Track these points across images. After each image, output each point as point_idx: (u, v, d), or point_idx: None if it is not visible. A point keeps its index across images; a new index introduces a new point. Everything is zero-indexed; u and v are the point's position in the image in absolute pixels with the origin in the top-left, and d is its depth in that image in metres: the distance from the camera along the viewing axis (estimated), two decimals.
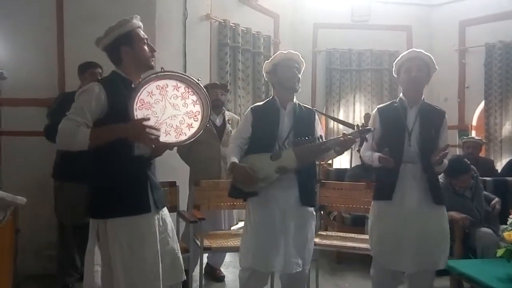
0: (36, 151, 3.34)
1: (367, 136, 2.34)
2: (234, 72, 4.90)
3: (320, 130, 2.47)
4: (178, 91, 1.84)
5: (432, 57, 2.42)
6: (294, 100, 2.42)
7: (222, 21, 4.69)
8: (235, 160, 2.28)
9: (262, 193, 2.28)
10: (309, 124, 2.41)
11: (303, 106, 2.46)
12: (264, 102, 2.51)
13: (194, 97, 1.88)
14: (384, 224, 2.39)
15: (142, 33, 1.90)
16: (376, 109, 2.57)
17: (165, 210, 2.00)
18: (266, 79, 2.57)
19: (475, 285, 2.28)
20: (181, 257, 1.99)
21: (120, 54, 1.85)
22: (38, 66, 3.47)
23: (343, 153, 2.34)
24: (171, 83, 1.83)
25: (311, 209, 2.38)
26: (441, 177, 3.00)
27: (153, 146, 1.83)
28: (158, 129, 1.76)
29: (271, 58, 2.47)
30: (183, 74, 1.87)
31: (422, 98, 2.44)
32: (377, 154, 2.36)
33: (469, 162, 3.29)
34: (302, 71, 2.45)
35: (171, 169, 3.36)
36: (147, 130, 1.71)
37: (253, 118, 2.39)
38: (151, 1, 3.54)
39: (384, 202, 2.39)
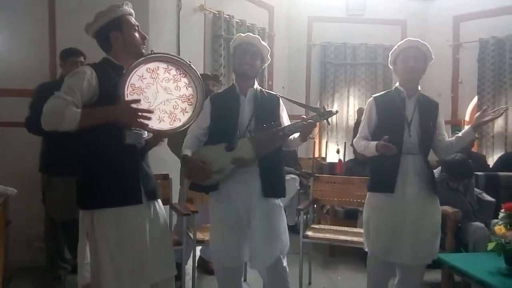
0: (27, 142, 3.29)
1: (361, 125, 2.28)
2: (228, 65, 4.87)
3: (285, 117, 2.32)
4: (169, 73, 1.77)
5: (428, 46, 2.38)
6: (255, 86, 2.27)
7: (216, 12, 4.65)
8: (188, 152, 2.15)
9: (223, 187, 2.18)
10: (272, 111, 2.26)
11: (266, 92, 2.32)
12: (223, 90, 2.38)
13: (186, 80, 1.80)
14: (382, 216, 2.35)
15: (133, 20, 1.85)
16: (372, 98, 2.49)
17: (159, 202, 1.95)
18: None
19: (466, 278, 2.29)
20: (172, 251, 1.96)
21: (109, 40, 1.80)
22: (30, 56, 3.42)
23: (306, 139, 2.17)
24: (162, 65, 1.76)
25: (277, 200, 2.23)
26: (436, 171, 3.05)
27: (146, 132, 1.78)
28: (151, 111, 1.69)
29: (232, 41, 2.34)
30: (173, 56, 1.80)
31: (419, 88, 2.42)
32: (373, 143, 2.31)
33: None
34: (264, 57, 2.29)
35: (163, 162, 3.34)
36: (139, 113, 1.65)
37: (211, 107, 2.23)
38: None
39: (383, 194, 2.34)
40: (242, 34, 2.31)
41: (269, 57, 2.33)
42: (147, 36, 1.89)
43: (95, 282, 1.78)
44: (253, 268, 2.27)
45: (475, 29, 5.55)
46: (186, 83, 1.81)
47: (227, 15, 4.78)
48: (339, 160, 4.89)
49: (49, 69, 3.44)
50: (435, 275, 2.87)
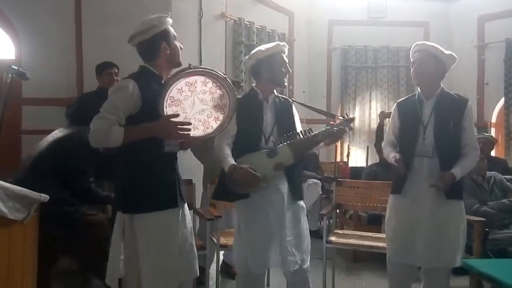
0: None
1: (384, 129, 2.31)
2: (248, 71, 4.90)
3: (298, 121, 2.38)
4: (206, 86, 1.87)
5: (439, 47, 2.35)
6: (275, 92, 2.33)
7: (237, 19, 4.70)
8: (233, 161, 2.14)
9: (254, 194, 2.18)
10: (289, 116, 2.33)
11: (281, 97, 2.36)
12: (244, 95, 2.41)
13: (221, 91, 1.91)
14: (397, 218, 2.40)
15: (173, 30, 1.95)
16: (396, 103, 2.57)
17: (185, 206, 2.03)
18: (247, 67, 2.42)
19: (495, 285, 2.24)
20: (196, 253, 2.03)
21: (158, 50, 1.87)
22: (57, 66, 3.55)
23: (331, 144, 2.31)
24: (200, 79, 1.86)
25: (301, 203, 2.32)
26: None
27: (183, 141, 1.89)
28: (189, 123, 1.80)
29: (266, 47, 2.27)
30: (211, 70, 1.89)
31: (440, 88, 2.39)
32: (392, 154, 2.38)
33: None
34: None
35: (186, 168, 3.38)
36: (178, 126, 1.76)
37: (237, 114, 2.12)
38: (167, 0, 3.57)
39: (397, 195, 2.41)
40: (280, 43, 2.34)
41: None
42: (182, 47, 1.98)
43: (129, 276, 1.91)
44: (284, 270, 2.28)
45: (501, 29, 5.41)
46: (220, 94, 1.91)
47: (247, 21, 4.82)
48: None
49: (76, 79, 3.55)
50: (463, 282, 2.81)
